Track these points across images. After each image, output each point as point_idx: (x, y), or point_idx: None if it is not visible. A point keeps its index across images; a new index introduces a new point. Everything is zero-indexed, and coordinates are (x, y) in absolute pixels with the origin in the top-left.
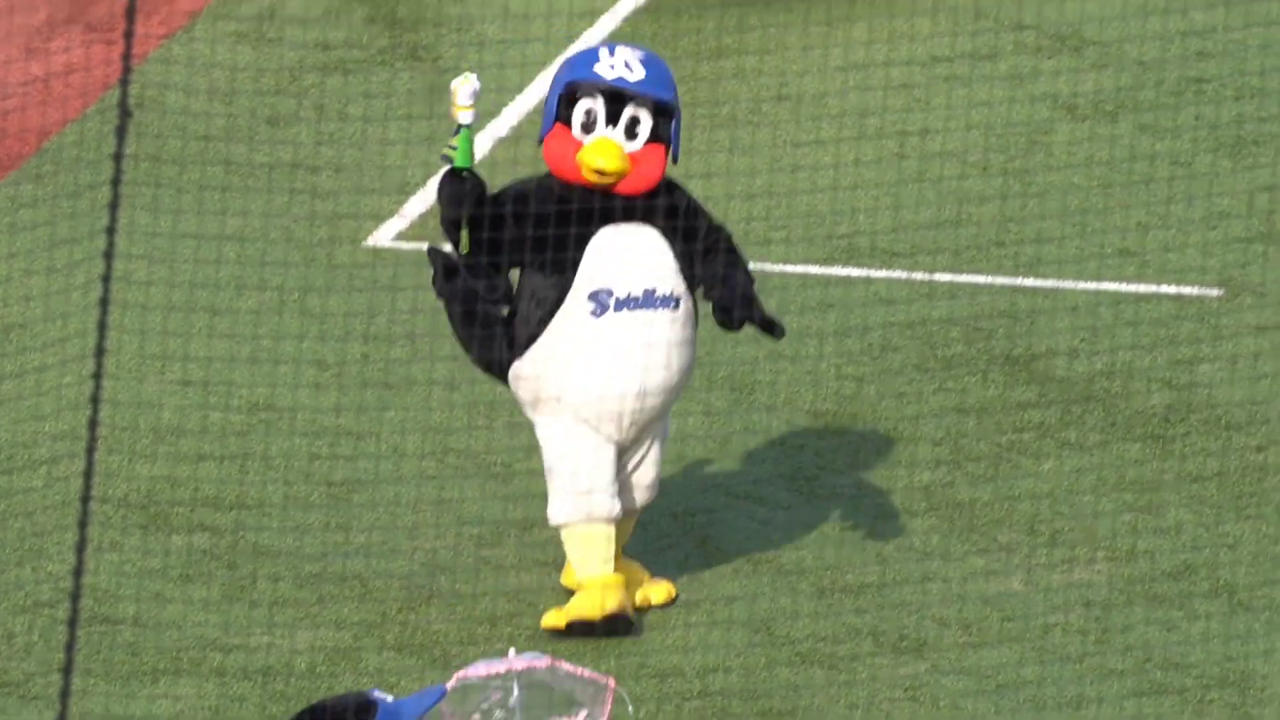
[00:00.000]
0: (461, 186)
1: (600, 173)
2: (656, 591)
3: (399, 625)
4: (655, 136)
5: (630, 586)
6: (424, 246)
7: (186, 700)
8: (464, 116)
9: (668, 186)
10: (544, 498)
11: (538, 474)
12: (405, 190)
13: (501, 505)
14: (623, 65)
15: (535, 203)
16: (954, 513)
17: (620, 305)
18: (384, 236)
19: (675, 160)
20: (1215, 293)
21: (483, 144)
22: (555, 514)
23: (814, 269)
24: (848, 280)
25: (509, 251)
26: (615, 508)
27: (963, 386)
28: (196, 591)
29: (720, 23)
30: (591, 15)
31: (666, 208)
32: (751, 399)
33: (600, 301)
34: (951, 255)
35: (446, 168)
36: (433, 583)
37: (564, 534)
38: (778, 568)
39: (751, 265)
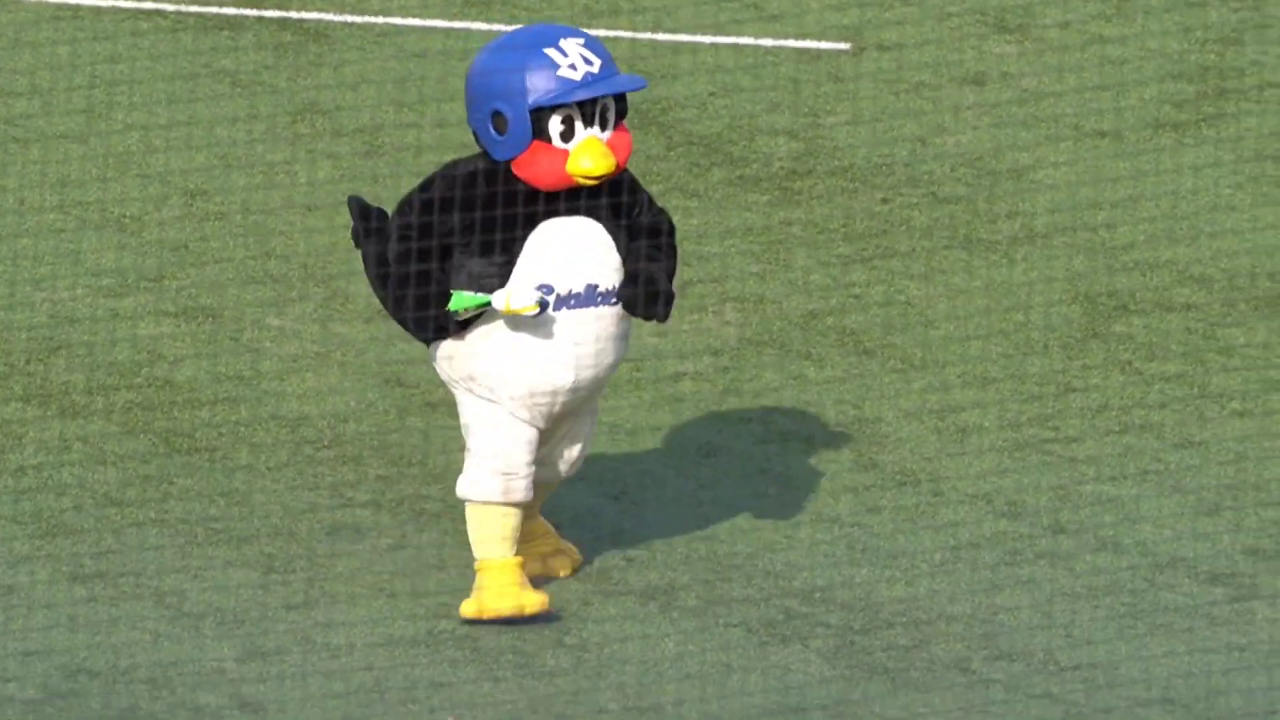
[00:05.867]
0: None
1: (593, 176)
2: (562, 563)
3: (27, 376)
4: (618, 116)
5: (532, 553)
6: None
7: None
8: (498, 301)
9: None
10: (173, 248)
11: (168, 224)
12: None
13: (131, 257)
14: (582, 61)
15: (480, 185)
16: None
17: (561, 303)
18: None
19: None
20: (843, 47)
21: None
22: (470, 490)
23: (439, 23)
24: (468, 34)
25: (454, 234)
26: (530, 493)
27: None
28: None
29: None
30: None
31: (610, 191)
32: None
33: (541, 299)
34: (581, 10)
35: (449, 297)
36: (61, 334)
37: (472, 510)
38: None
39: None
